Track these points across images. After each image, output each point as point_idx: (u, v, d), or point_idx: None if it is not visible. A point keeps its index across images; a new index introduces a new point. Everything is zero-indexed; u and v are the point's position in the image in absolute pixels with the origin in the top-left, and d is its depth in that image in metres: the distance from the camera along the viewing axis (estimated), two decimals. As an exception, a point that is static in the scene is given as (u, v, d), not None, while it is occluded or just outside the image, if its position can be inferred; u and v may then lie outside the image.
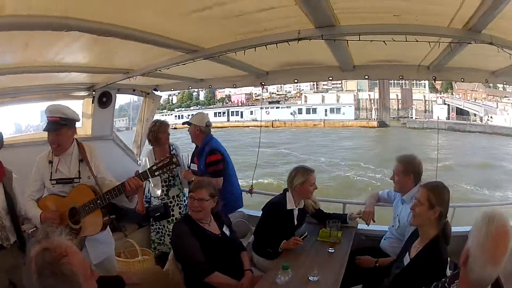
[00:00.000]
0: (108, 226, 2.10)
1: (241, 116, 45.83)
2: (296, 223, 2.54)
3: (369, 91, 49.57)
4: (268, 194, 3.30)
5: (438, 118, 38.42)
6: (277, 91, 66.36)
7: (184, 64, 2.23)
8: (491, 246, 1.09)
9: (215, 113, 47.31)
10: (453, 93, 51.96)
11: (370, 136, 27.31)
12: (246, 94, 64.34)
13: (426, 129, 32.70)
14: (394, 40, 1.74)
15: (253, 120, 43.47)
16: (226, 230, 2.24)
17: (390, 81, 41.62)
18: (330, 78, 2.95)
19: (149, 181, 3.07)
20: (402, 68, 2.80)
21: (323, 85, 63.14)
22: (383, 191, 2.77)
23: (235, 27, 1.78)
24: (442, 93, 51.48)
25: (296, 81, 3.15)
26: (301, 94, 58.85)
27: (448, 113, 40.19)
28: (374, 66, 2.82)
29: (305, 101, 53.47)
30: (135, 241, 2.83)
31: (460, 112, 41.13)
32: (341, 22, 1.69)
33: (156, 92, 3.90)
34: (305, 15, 1.58)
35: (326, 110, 42.82)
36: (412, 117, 39.03)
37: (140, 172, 2.00)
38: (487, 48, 1.81)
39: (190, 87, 3.61)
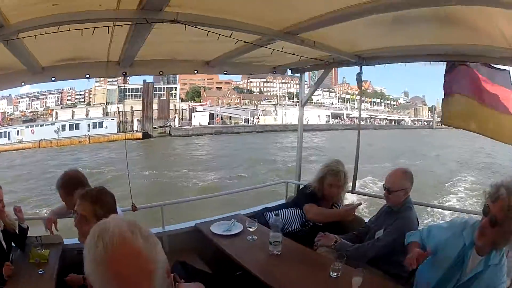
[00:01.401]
0: None
1: (9, 138, 37.65)
2: (6, 246, 2.23)
3: (118, 103, 49.87)
4: None
5: (200, 124, 45.12)
6: (26, 108, 60.00)
7: None
8: (104, 276, 0.70)
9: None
10: (201, 100, 62.62)
11: (137, 147, 26.62)
12: (1, 113, 56.60)
13: (191, 136, 37.65)
14: (58, 32, 1.64)
15: (20, 141, 36.04)
16: None
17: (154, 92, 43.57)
18: (23, 84, 2.68)
19: None
20: (89, 66, 2.66)
21: (67, 100, 58.69)
22: None
23: None
24: (189, 101, 60.39)
25: None
26: (52, 110, 55.12)
27: (212, 119, 48.22)
28: (63, 66, 2.64)
29: (56, 117, 49.17)
30: None
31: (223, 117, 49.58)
32: (11, 20, 1.58)
33: None
34: None
35: (89, 125, 40.56)
36: (175, 126, 43.12)
37: None
38: (197, 33, 1.77)
39: None
